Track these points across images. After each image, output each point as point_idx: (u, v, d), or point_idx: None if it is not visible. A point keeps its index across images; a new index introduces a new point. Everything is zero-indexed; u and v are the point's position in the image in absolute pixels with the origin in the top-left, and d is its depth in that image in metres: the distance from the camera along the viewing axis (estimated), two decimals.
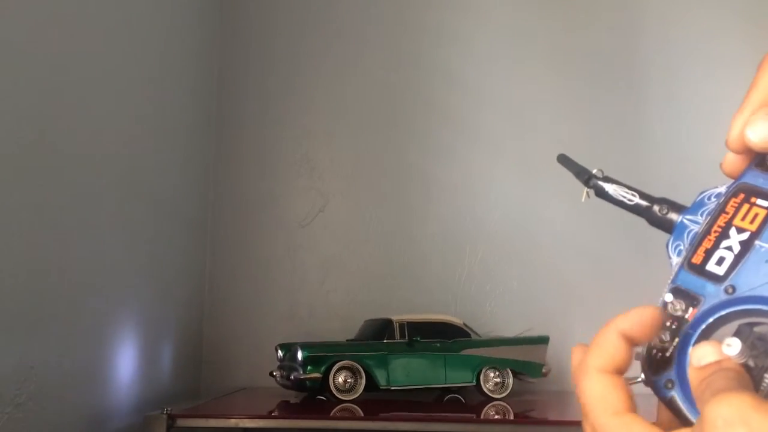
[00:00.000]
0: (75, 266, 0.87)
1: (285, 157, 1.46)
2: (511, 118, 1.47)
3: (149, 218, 1.12)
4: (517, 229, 1.43)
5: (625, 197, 0.37)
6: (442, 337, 1.13)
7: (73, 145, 0.86)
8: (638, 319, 0.30)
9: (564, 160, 0.41)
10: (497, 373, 1.13)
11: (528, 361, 1.16)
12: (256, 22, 1.52)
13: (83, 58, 0.89)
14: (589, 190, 0.38)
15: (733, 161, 0.33)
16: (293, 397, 1.11)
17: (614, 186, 0.37)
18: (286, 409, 1.02)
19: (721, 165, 0.33)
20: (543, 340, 1.19)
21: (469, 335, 1.16)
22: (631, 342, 0.30)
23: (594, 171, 0.38)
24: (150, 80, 1.12)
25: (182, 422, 0.85)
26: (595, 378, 0.30)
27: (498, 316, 1.40)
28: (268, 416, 0.92)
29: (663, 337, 0.30)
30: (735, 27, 1.48)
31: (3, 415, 0.71)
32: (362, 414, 0.93)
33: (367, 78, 1.49)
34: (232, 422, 0.88)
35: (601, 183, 0.38)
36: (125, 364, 1.02)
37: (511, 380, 1.13)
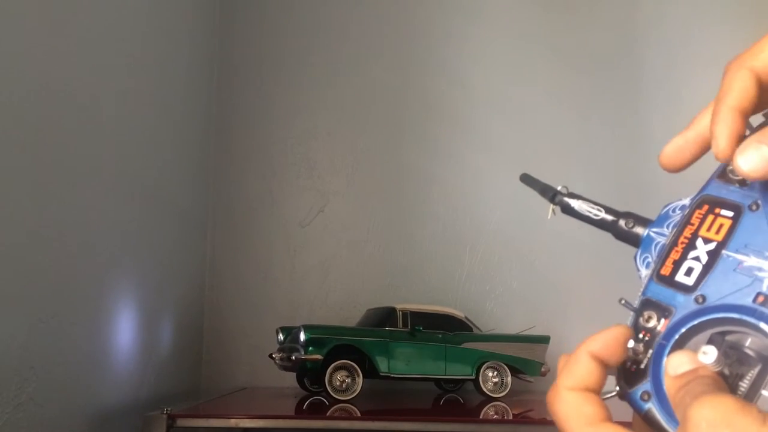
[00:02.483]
0: (75, 266, 0.87)
1: (285, 157, 1.46)
2: (511, 118, 1.47)
3: (149, 218, 1.12)
4: (517, 229, 1.43)
5: (590, 212, 0.37)
6: (444, 329, 1.13)
7: (73, 146, 0.86)
8: (607, 340, 0.30)
9: (527, 179, 0.41)
10: (496, 372, 1.13)
11: (528, 359, 1.16)
12: (256, 22, 1.52)
13: (83, 58, 0.89)
14: (554, 207, 0.38)
15: (673, 154, 0.32)
16: (293, 397, 1.11)
17: (579, 202, 0.38)
18: (286, 409, 1.02)
19: (659, 157, 0.33)
20: (544, 340, 1.20)
21: (470, 329, 1.16)
22: (603, 363, 0.30)
23: (559, 188, 0.38)
24: (150, 80, 1.12)
25: (182, 422, 0.85)
26: (566, 395, 0.30)
27: (498, 316, 1.40)
28: (268, 416, 0.92)
29: (636, 348, 0.30)
30: (735, 27, 1.49)
31: (3, 415, 0.71)
32: (361, 414, 0.93)
33: (367, 78, 1.49)
34: (232, 422, 0.88)
35: (566, 199, 0.38)
36: (125, 364, 1.02)
37: (509, 379, 1.13)
